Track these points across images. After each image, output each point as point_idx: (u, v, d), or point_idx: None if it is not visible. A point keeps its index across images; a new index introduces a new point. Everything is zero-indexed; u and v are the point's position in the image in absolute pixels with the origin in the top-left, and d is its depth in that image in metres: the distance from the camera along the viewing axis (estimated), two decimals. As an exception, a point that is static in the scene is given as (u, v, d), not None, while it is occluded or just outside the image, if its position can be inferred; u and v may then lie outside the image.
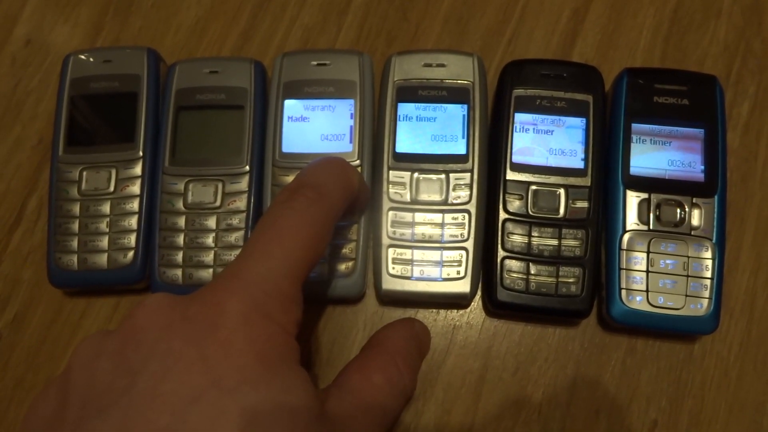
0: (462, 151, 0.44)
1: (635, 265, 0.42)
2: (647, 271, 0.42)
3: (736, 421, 0.43)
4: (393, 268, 0.43)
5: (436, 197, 0.44)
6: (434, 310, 0.46)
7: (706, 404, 0.43)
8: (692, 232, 0.42)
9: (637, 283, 0.42)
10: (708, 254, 0.42)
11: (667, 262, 0.42)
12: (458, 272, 0.43)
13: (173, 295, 0.25)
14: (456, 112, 0.44)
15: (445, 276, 0.43)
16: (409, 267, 0.43)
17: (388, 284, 0.43)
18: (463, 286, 0.43)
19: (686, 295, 0.41)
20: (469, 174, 0.44)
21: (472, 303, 0.46)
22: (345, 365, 0.29)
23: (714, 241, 0.42)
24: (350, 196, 0.30)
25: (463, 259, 0.43)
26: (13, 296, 0.47)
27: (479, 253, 0.44)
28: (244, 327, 0.23)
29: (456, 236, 0.43)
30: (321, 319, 0.46)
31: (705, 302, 0.41)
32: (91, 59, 0.47)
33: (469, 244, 0.43)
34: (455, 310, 0.46)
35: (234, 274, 0.24)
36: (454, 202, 0.44)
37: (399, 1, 0.52)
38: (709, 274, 0.42)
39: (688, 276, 0.42)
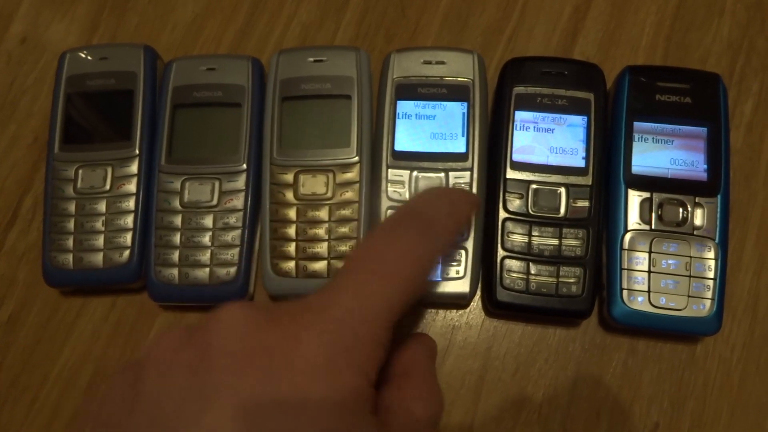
0: (462, 149, 0.43)
1: (637, 265, 0.41)
2: (649, 272, 0.41)
3: (739, 423, 0.42)
4: (392, 267, 0.43)
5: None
6: (433, 311, 0.45)
7: (708, 406, 0.42)
8: (695, 232, 0.42)
9: (638, 284, 0.41)
10: (711, 254, 0.41)
11: (669, 262, 0.41)
12: (457, 272, 0.43)
13: (251, 309, 0.22)
14: (456, 109, 0.44)
15: (444, 276, 0.43)
16: (407, 267, 0.43)
17: (387, 284, 0.43)
18: (463, 286, 0.42)
19: (688, 296, 0.41)
20: (468, 172, 0.43)
21: (472, 303, 0.45)
22: (380, 395, 0.26)
23: (717, 241, 0.41)
24: (461, 228, 0.28)
25: (463, 259, 0.43)
26: (8, 296, 0.47)
27: (479, 252, 0.43)
28: (326, 374, 0.20)
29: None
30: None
31: (707, 303, 0.41)
32: (87, 57, 0.47)
33: (469, 244, 0.43)
34: (454, 311, 0.45)
35: (324, 306, 0.22)
36: (454, 201, 0.43)
37: (398, -2, 0.51)
38: (711, 274, 0.41)
39: (690, 276, 0.41)
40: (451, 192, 0.27)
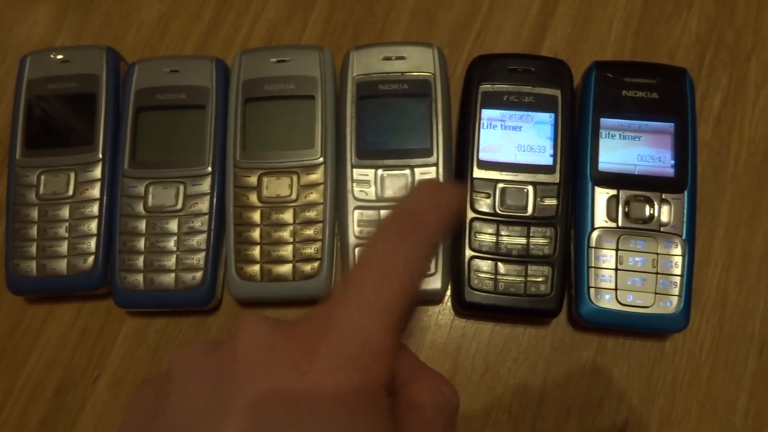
0: (426, 144, 0.43)
1: (604, 263, 0.41)
2: (616, 269, 0.41)
3: (708, 418, 0.42)
4: (361, 268, 0.42)
5: (402, 193, 0.43)
6: (402, 311, 0.45)
7: (677, 402, 0.42)
8: (661, 229, 0.41)
9: (606, 282, 0.41)
10: (678, 251, 0.41)
11: (636, 259, 0.41)
12: (428, 269, 0.42)
13: (272, 323, 0.24)
14: (418, 104, 0.43)
15: None
16: (377, 267, 0.42)
17: (357, 285, 0.42)
18: (434, 283, 0.42)
19: (655, 293, 0.41)
20: (434, 168, 0.43)
21: (441, 304, 0.45)
22: (392, 404, 0.27)
23: (684, 237, 0.41)
24: (449, 228, 0.30)
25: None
26: (-26, 303, 0.46)
27: (449, 248, 0.43)
28: (334, 378, 0.22)
29: (424, 233, 0.42)
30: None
31: (675, 300, 0.41)
32: (49, 60, 0.46)
33: None
34: (424, 311, 0.45)
35: (328, 319, 0.23)
36: (421, 198, 0.43)
37: (366, -6, 0.50)
38: (678, 271, 0.41)
39: (657, 273, 0.41)
40: (438, 191, 0.28)
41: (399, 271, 0.24)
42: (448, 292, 0.44)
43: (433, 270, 0.42)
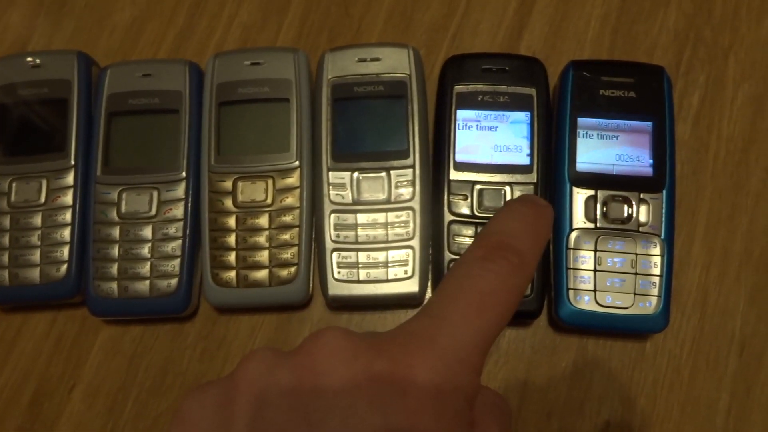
0: (402, 146, 0.43)
1: (582, 264, 0.41)
2: (594, 270, 0.41)
3: (689, 419, 0.42)
4: (338, 272, 0.42)
5: (379, 196, 0.42)
6: (381, 316, 0.44)
7: (658, 403, 0.42)
8: (640, 229, 0.41)
9: (584, 283, 0.41)
10: (656, 251, 0.41)
11: (615, 260, 0.41)
12: (405, 272, 0.42)
13: (353, 335, 0.23)
14: (394, 106, 0.43)
15: (392, 277, 0.42)
16: (355, 270, 0.42)
17: (335, 290, 0.42)
18: (412, 286, 0.42)
19: (635, 294, 0.40)
20: (411, 170, 0.42)
21: (420, 307, 0.44)
22: None
23: (662, 237, 0.41)
24: (542, 252, 0.29)
25: (410, 258, 0.42)
26: (-54, 314, 0.45)
27: (426, 250, 0.42)
28: (434, 399, 0.21)
29: (401, 235, 0.42)
30: (264, 326, 0.44)
31: (654, 300, 0.40)
32: (20, 65, 0.46)
33: (415, 242, 0.42)
34: (403, 315, 0.44)
35: (430, 336, 0.22)
36: (398, 200, 0.42)
37: (342, -5, 0.50)
38: (657, 271, 0.41)
39: (636, 274, 0.41)
40: (532, 216, 0.27)
41: (502, 301, 0.24)
42: (428, 295, 0.44)
43: (410, 273, 0.42)
